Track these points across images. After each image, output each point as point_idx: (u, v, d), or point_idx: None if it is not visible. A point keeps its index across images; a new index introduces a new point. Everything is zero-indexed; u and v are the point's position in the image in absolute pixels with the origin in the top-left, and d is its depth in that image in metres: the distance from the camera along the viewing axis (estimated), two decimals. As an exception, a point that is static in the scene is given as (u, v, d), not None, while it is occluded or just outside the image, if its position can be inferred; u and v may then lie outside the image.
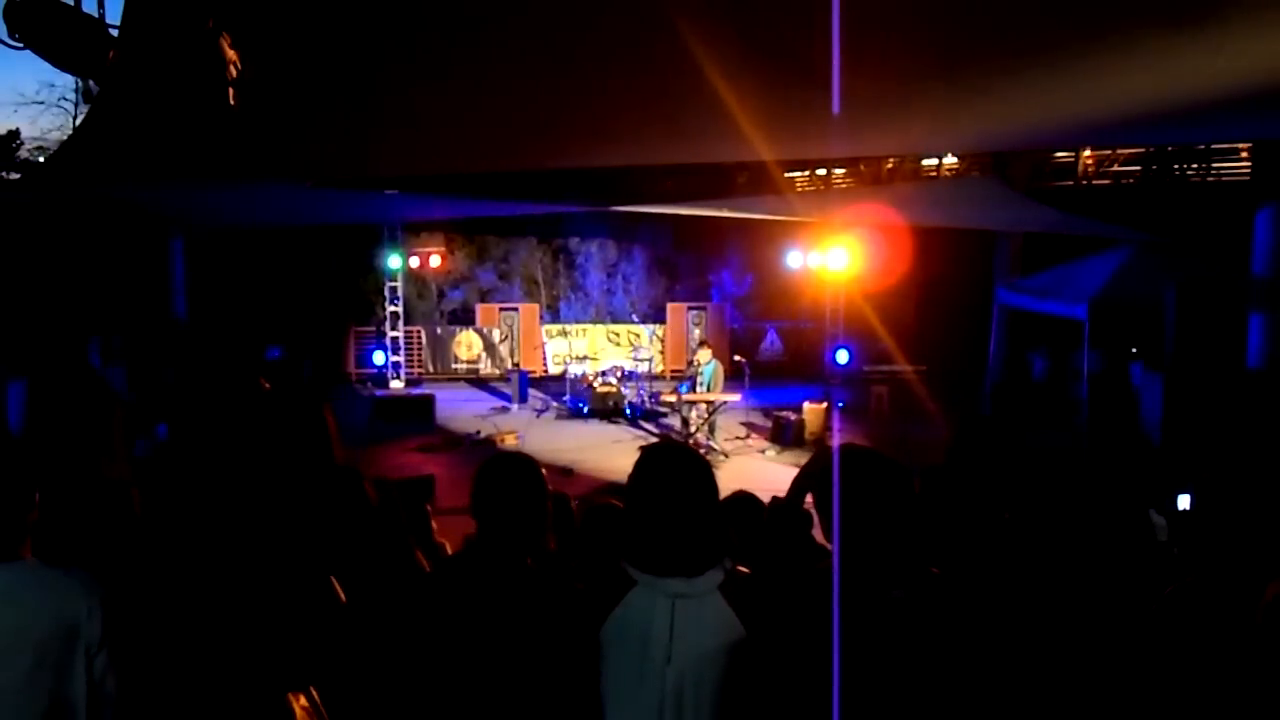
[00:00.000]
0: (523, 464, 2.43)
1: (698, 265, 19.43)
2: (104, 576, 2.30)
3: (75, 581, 2.25)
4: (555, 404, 14.90)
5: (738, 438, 12.43)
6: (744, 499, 4.31)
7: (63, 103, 24.12)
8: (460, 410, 14.44)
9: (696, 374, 12.11)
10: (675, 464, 2.21)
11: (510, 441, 12.34)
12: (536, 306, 18.35)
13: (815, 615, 1.99)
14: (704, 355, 12.13)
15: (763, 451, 11.85)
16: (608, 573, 2.20)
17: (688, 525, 2.13)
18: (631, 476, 2.23)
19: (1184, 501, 5.10)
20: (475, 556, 2.38)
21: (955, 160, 15.38)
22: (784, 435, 12.08)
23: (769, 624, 2.10)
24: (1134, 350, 11.87)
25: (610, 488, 9.24)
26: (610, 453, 11.55)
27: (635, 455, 2.29)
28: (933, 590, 2.08)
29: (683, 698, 2.08)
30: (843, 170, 18.00)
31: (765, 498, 4.70)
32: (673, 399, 12.36)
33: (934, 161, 16.21)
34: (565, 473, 10.52)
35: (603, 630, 2.14)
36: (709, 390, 11.95)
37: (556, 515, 4.47)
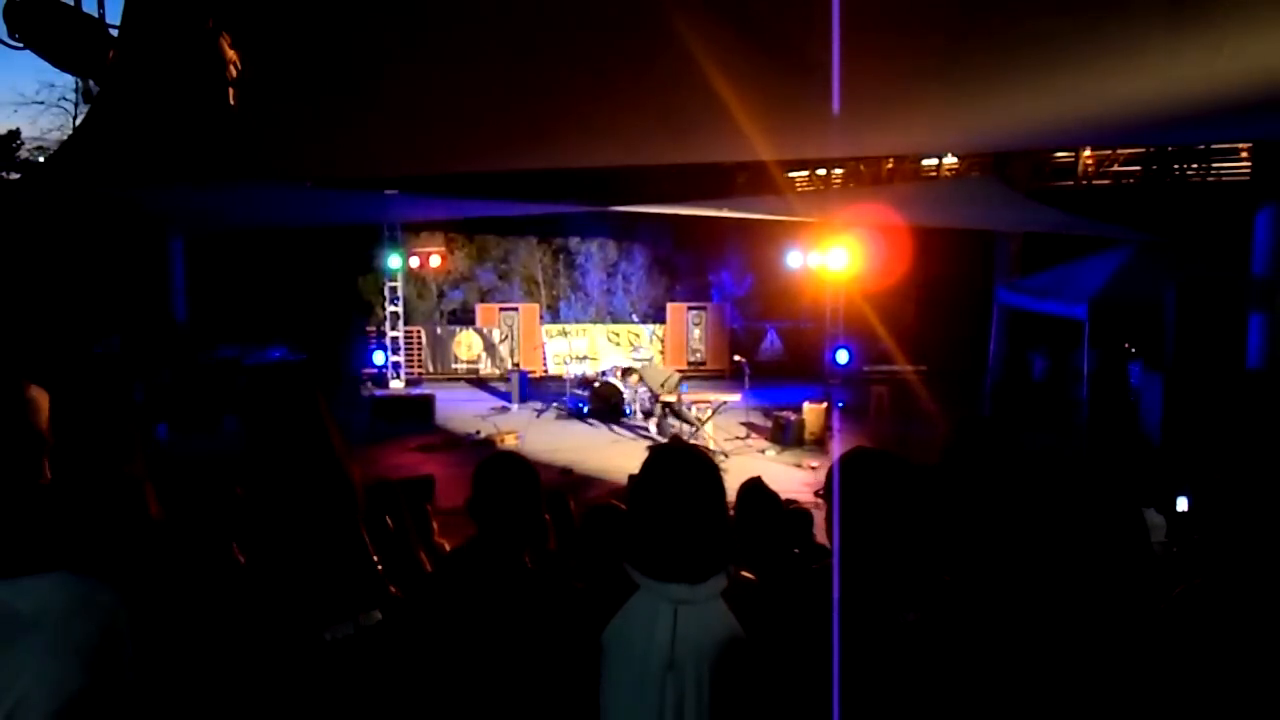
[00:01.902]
0: (519, 464, 2.44)
1: (698, 265, 19.44)
2: (129, 586, 2.27)
3: (107, 594, 2.21)
4: (555, 404, 14.90)
5: (738, 438, 12.43)
6: (758, 490, 4.31)
7: (63, 103, 24.15)
8: (460, 410, 14.44)
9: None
10: (684, 467, 2.18)
11: (510, 441, 12.34)
12: (536, 306, 18.36)
13: (819, 622, 1.97)
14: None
15: (763, 451, 11.85)
16: (610, 576, 2.18)
17: (693, 530, 2.11)
18: (639, 477, 2.21)
19: (1183, 503, 5.11)
20: (473, 556, 2.38)
21: (955, 160, 15.38)
22: (784, 435, 12.09)
23: (772, 631, 2.08)
24: (1133, 350, 11.87)
25: (610, 488, 9.25)
26: (610, 453, 11.55)
27: (635, 455, 2.28)
28: (949, 606, 2.04)
29: (684, 705, 2.06)
30: (842, 170, 18.01)
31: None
32: (672, 399, 12.36)
33: (934, 161, 16.21)
34: (565, 473, 10.52)
35: (604, 634, 2.12)
36: (663, 389, 12.20)
37: (556, 515, 4.48)
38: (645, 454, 2.30)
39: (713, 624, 2.07)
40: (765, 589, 2.16)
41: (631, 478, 2.40)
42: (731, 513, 3.30)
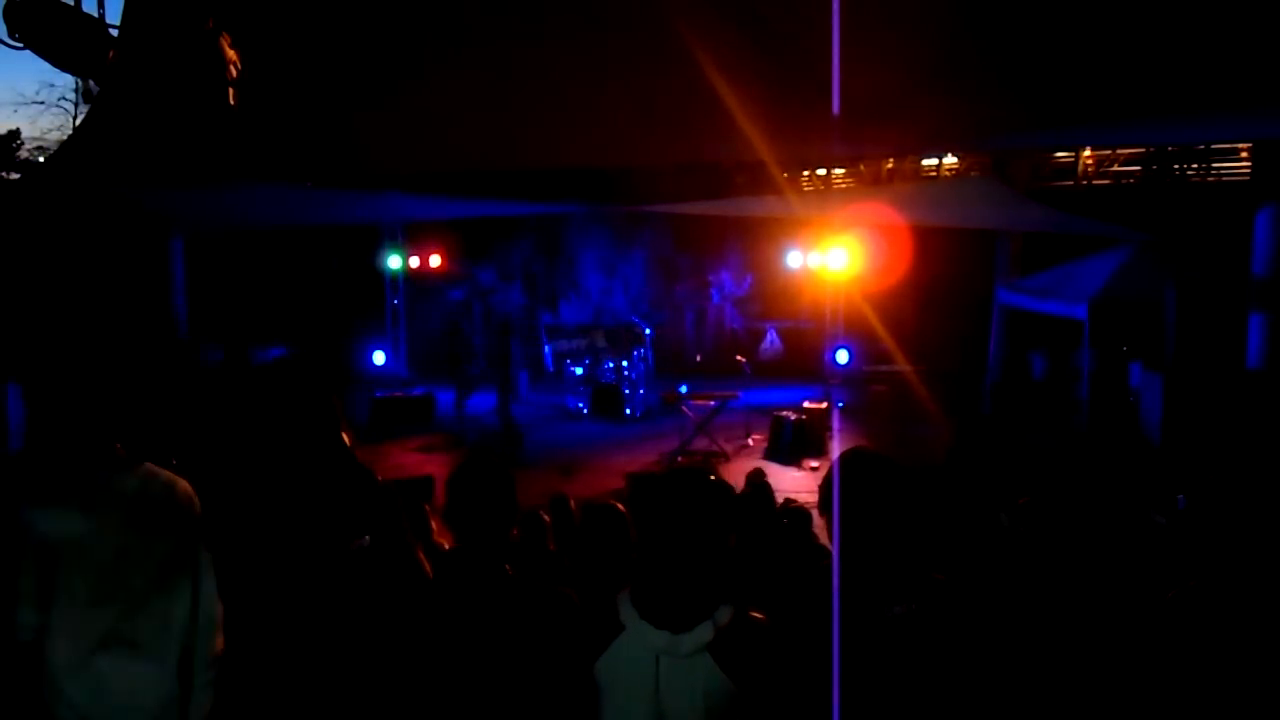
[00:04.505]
0: (490, 468, 2.42)
1: (698, 265, 19.42)
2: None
3: (188, 490, 2.41)
4: (555, 404, 14.89)
5: (738, 437, 12.43)
6: (759, 488, 4.32)
7: (63, 103, 24.12)
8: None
9: None
10: (690, 505, 2.04)
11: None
12: (536, 306, 18.37)
13: (814, 663, 1.92)
14: None
15: (763, 451, 11.86)
16: (600, 611, 2.10)
17: (684, 576, 2.01)
18: (649, 506, 2.11)
19: (1182, 504, 5.11)
20: (454, 564, 2.39)
21: (955, 160, 15.37)
22: (783, 435, 12.08)
23: (763, 683, 1.99)
24: (1133, 350, 11.86)
25: (610, 488, 9.24)
26: (610, 453, 11.55)
27: (635, 456, 2.26)
28: (937, 600, 2.03)
29: None
30: (843, 170, 17.99)
31: (765, 498, 4.70)
32: (673, 399, 12.37)
33: (934, 161, 16.20)
34: (565, 472, 10.51)
35: (597, 666, 2.05)
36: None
37: (556, 515, 4.48)
38: (644, 454, 2.29)
39: (698, 678, 1.98)
40: (762, 636, 2.04)
41: (629, 477, 2.39)
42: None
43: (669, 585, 2.02)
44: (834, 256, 12.76)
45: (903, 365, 15.47)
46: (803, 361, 17.48)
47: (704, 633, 1.98)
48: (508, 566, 2.36)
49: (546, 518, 4.18)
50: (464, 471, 2.41)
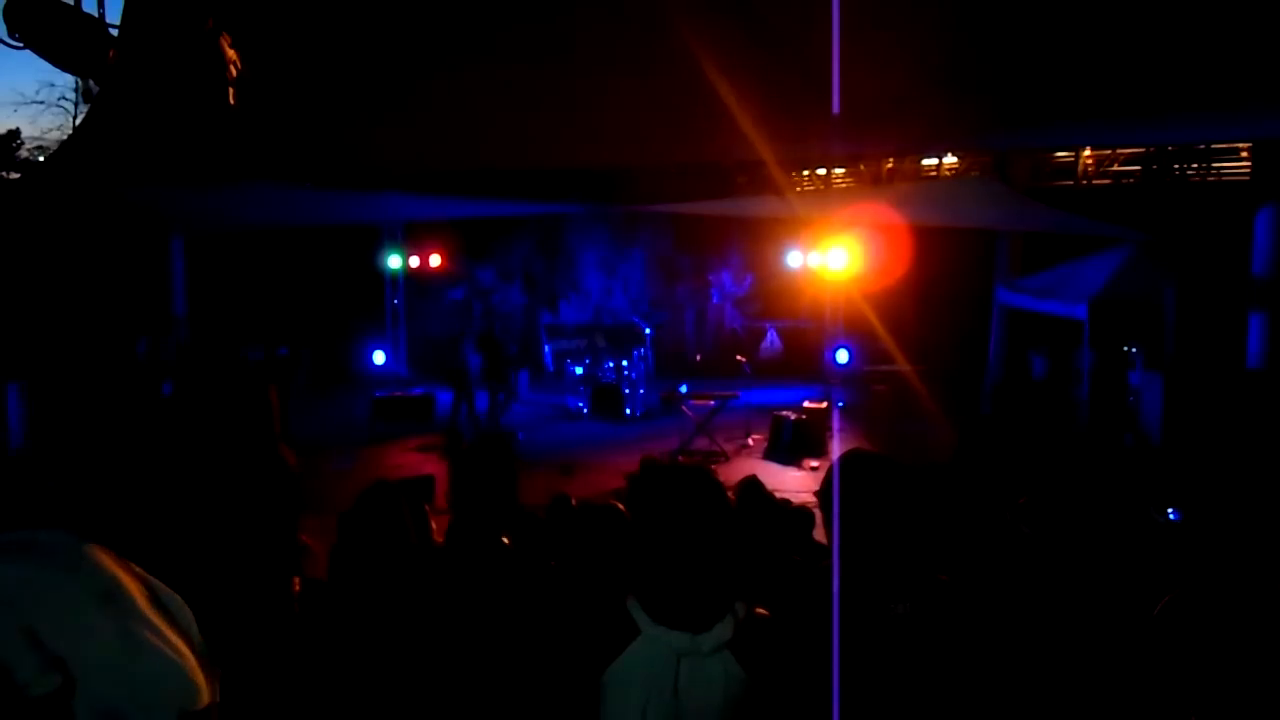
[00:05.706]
0: (499, 447, 2.50)
1: (698, 265, 19.42)
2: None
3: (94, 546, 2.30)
4: (555, 404, 14.89)
5: (738, 438, 12.43)
6: (753, 485, 4.31)
7: (63, 103, 24.18)
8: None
9: None
10: (685, 500, 2.01)
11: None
12: (536, 306, 18.38)
13: (819, 659, 1.91)
14: None
15: (762, 451, 11.85)
16: (610, 617, 2.04)
17: (695, 573, 1.98)
18: (642, 506, 2.10)
19: (1180, 505, 5.12)
20: (451, 540, 2.42)
21: (955, 160, 15.39)
22: (783, 435, 12.08)
23: (777, 676, 1.99)
24: (1133, 350, 11.86)
25: (611, 488, 9.24)
26: (610, 453, 11.55)
27: (635, 456, 2.27)
28: (940, 600, 2.03)
29: None
30: (843, 170, 18.00)
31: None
32: (673, 399, 12.37)
33: (934, 161, 16.21)
34: (565, 472, 10.51)
35: (604, 676, 2.01)
36: None
37: (557, 515, 4.48)
38: (644, 454, 2.31)
39: (718, 677, 1.96)
40: (773, 630, 2.03)
41: (630, 478, 2.41)
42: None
43: (683, 586, 1.99)
44: (834, 256, 12.76)
45: (903, 365, 15.46)
46: (803, 361, 17.48)
47: (724, 630, 1.97)
48: (505, 538, 2.38)
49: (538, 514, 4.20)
50: (470, 452, 2.48)
